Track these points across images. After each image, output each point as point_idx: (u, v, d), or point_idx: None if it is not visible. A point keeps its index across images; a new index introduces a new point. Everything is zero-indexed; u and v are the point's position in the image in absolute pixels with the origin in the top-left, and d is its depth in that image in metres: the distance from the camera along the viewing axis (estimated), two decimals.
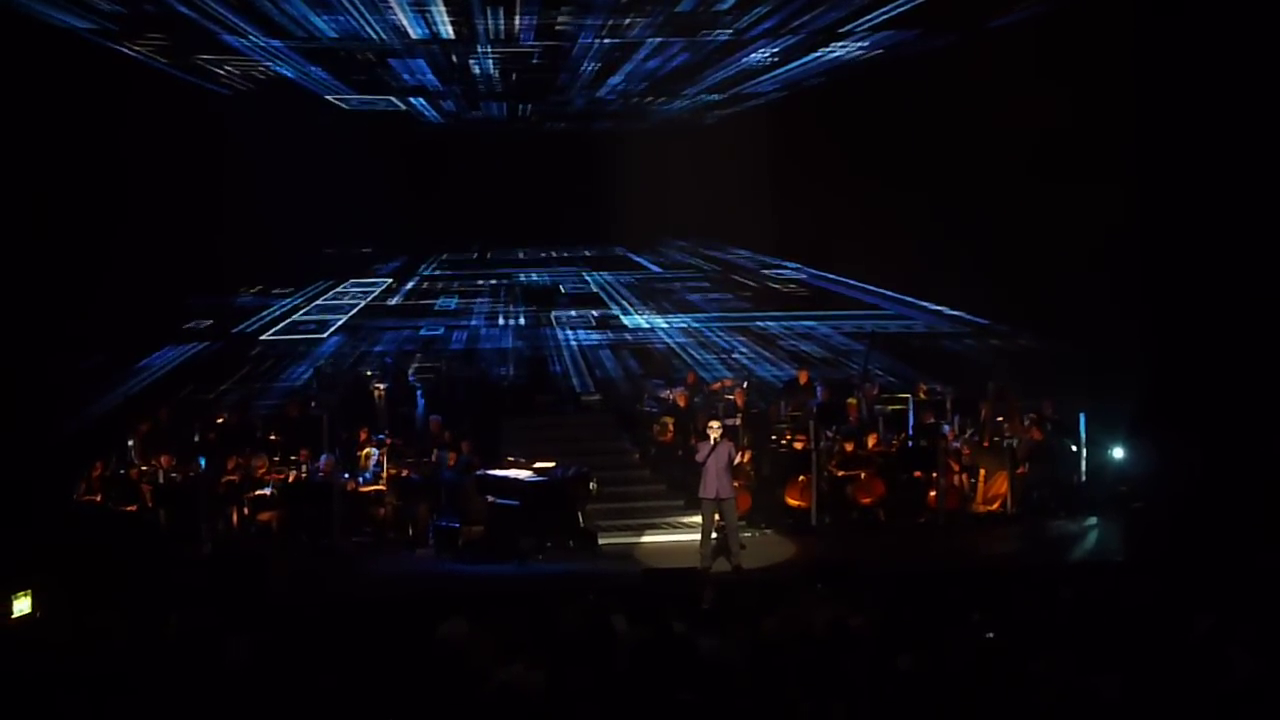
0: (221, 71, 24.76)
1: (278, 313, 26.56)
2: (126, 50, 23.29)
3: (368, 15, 22.34)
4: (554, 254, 28.28)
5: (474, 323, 26.50)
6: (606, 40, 24.16)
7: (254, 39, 23.35)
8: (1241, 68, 20.73)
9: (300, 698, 10.03)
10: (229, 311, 26.23)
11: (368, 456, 20.36)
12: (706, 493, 18.22)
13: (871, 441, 20.86)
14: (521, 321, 26.55)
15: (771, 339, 26.08)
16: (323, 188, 24.08)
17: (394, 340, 25.26)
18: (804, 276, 27.26)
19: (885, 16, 22.54)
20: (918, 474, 20.86)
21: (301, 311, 26.82)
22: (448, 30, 23.45)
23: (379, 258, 28.38)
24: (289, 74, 24.90)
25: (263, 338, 25.62)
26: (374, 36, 23.60)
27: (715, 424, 18.64)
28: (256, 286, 26.97)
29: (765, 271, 27.78)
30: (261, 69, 24.68)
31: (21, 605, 14.68)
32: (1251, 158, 20.75)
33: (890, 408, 22.10)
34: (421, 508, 19.87)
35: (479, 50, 24.54)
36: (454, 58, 24.73)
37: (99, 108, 22.14)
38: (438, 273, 28.05)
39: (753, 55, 24.82)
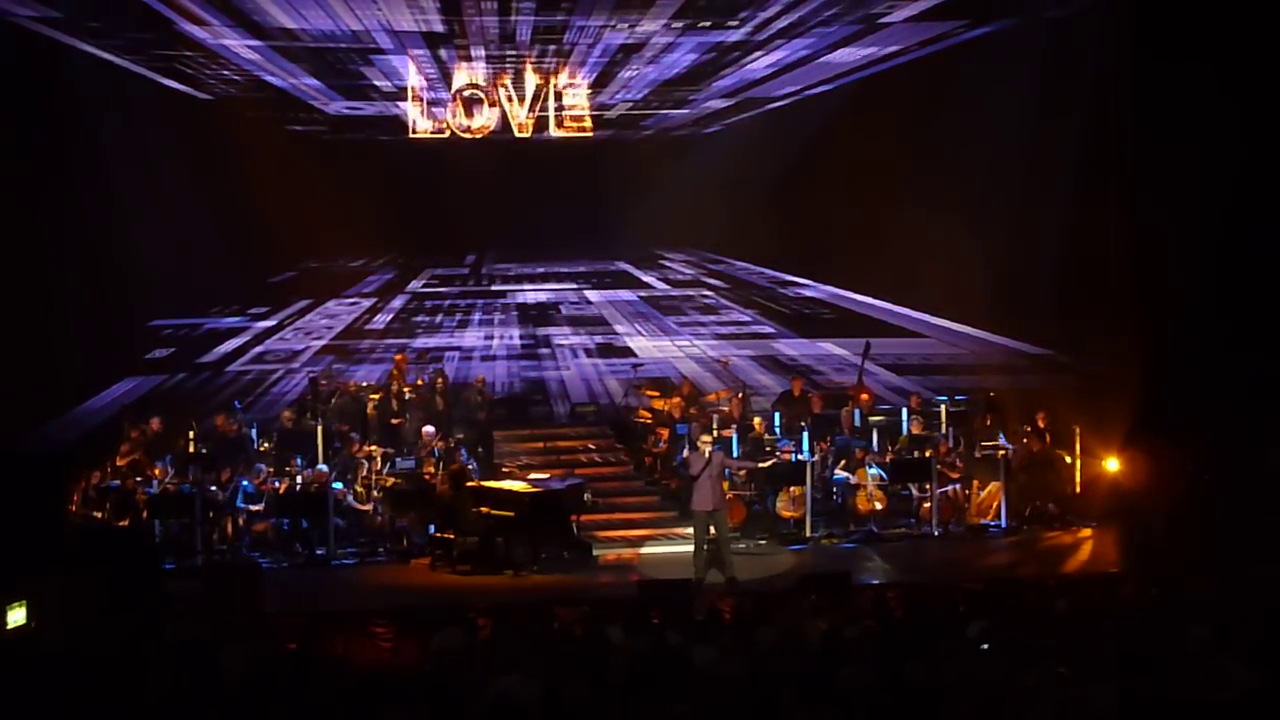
0: (192, 72, 24.24)
1: (253, 335, 25.72)
2: (87, 48, 22.87)
3: (355, 12, 22.25)
4: (551, 270, 27.61)
5: (466, 343, 25.95)
6: (609, 41, 24.11)
7: (227, 35, 23.17)
8: (1235, 86, 20.83)
9: (295, 710, 10.02)
10: (200, 336, 25.46)
11: (363, 465, 20.37)
12: (700, 505, 18.23)
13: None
14: (517, 341, 26.08)
15: (773, 351, 25.81)
16: (304, 199, 23.27)
17: (381, 359, 24.64)
18: (818, 294, 26.64)
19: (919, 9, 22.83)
20: (912, 485, 20.92)
21: (279, 334, 25.88)
22: (439, 28, 23.44)
23: (364, 273, 27.28)
24: (270, 78, 24.44)
25: (230, 369, 24.81)
26: (360, 35, 23.51)
27: (707, 438, 18.66)
28: (232, 306, 25.99)
29: (779, 290, 27.06)
30: (235, 69, 24.27)
31: (16, 616, 14.64)
32: (1246, 170, 20.82)
33: (884, 418, 22.08)
34: (416, 518, 19.88)
35: (472, 52, 24.38)
36: (445, 59, 24.50)
37: (53, 108, 21.84)
38: (427, 289, 27.19)
39: (759, 61, 24.76)
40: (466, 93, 25.30)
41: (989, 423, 21.50)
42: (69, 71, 22.41)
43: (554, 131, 25.48)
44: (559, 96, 25.47)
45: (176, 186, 22.95)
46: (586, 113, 25.63)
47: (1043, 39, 22.71)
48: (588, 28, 23.90)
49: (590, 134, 25.71)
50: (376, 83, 24.86)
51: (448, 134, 25.40)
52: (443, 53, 24.69)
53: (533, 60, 25.17)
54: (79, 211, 22.13)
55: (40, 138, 21.56)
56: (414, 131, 25.47)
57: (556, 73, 25.41)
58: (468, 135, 25.40)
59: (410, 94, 25.24)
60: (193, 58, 23.85)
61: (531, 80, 25.38)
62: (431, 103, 25.21)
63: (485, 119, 25.40)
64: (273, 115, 24.43)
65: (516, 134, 25.48)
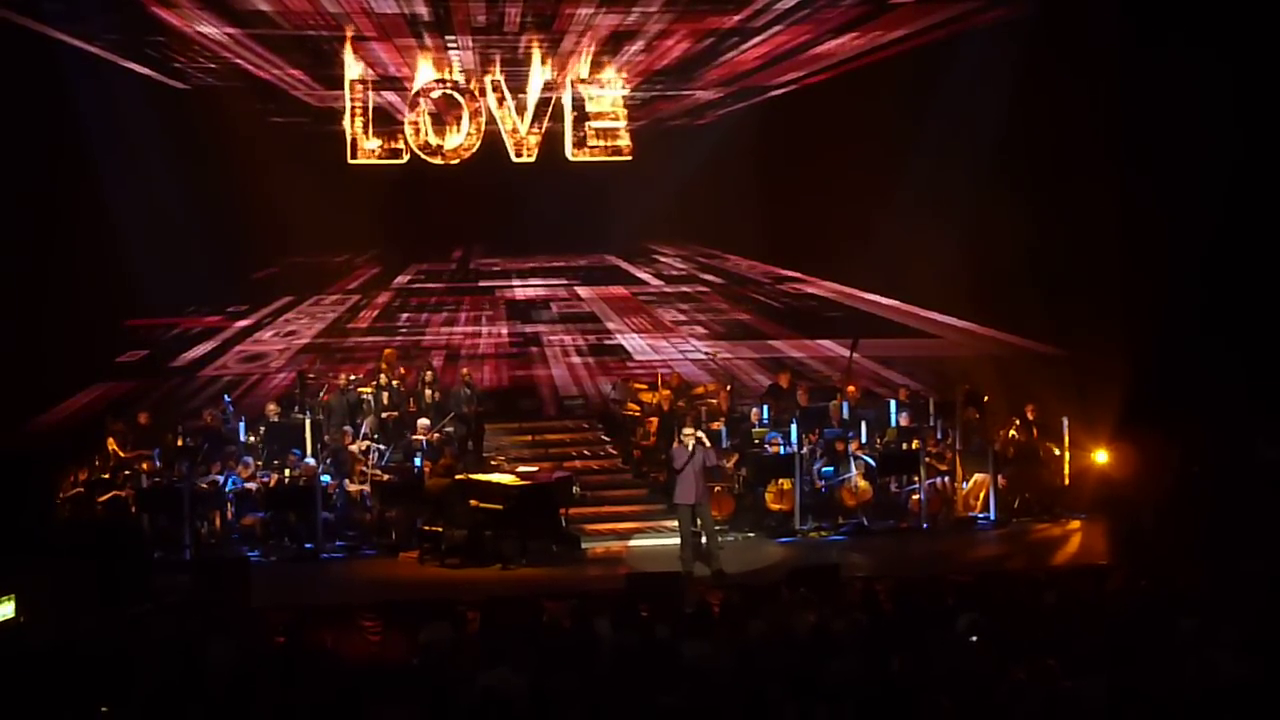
0: (167, 60, 23.82)
1: (233, 334, 25.24)
2: (56, 34, 22.54)
3: None
4: (541, 265, 27.20)
5: (454, 339, 25.68)
6: (600, 29, 23.97)
7: (200, 20, 23.04)
8: (1227, 73, 20.86)
9: (284, 703, 10.01)
10: (177, 336, 25.24)
11: (358, 460, 20.34)
12: (683, 498, 18.22)
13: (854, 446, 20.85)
14: (506, 338, 25.81)
15: (765, 346, 25.65)
16: (287, 192, 22.87)
17: (367, 356, 24.31)
18: (811, 289, 26.34)
19: None
20: (901, 477, 20.94)
21: (260, 332, 25.42)
22: (424, 14, 23.32)
23: (349, 268, 26.77)
24: (249, 67, 24.17)
25: (207, 370, 24.34)
26: (340, 20, 23.43)
27: (690, 430, 18.60)
28: (211, 303, 25.55)
29: (773, 285, 26.70)
30: (212, 56, 23.90)
31: (4, 610, 14.62)
32: (1238, 160, 20.87)
33: (872, 410, 22.07)
34: (404, 512, 19.86)
35: (457, 40, 24.12)
36: (430, 48, 24.21)
37: (29, 99, 21.62)
38: (413, 285, 26.77)
39: (752, 50, 24.60)
40: (436, 93, 23.95)
41: (976, 415, 21.52)
42: (42, 61, 22.17)
43: (572, 155, 24.03)
44: (580, 103, 24.05)
45: (155, 179, 22.72)
46: (623, 125, 24.18)
47: (1031, 27, 22.68)
48: (578, 14, 23.64)
49: (629, 156, 24.17)
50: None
51: (406, 157, 23.89)
52: (428, 40, 24.06)
53: (541, 44, 24.13)
54: (58, 206, 21.97)
55: (13, 130, 21.38)
56: (354, 156, 23.83)
57: (568, 62, 24.29)
58: (437, 160, 23.83)
59: (350, 94, 23.91)
60: (166, 44, 23.49)
61: (538, 76, 24.09)
62: (385, 112, 24.17)
63: (465, 134, 23.84)
64: (254, 106, 24.05)
65: (514, 155, 23.90)
